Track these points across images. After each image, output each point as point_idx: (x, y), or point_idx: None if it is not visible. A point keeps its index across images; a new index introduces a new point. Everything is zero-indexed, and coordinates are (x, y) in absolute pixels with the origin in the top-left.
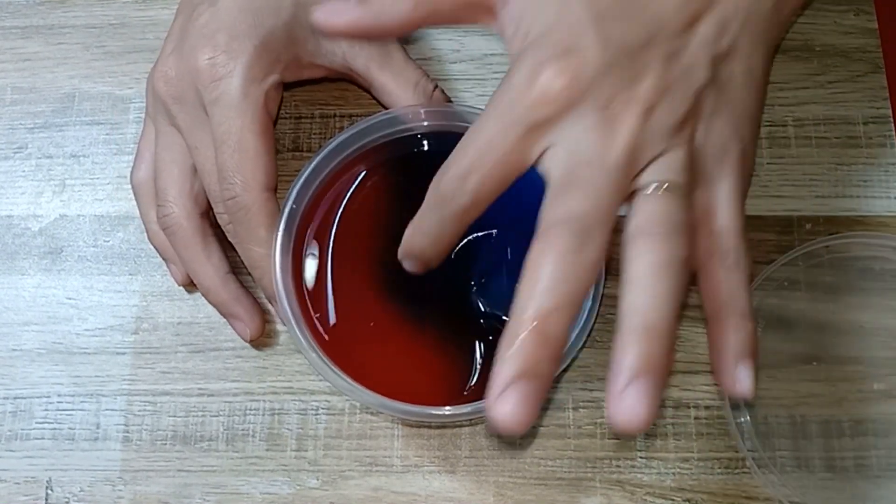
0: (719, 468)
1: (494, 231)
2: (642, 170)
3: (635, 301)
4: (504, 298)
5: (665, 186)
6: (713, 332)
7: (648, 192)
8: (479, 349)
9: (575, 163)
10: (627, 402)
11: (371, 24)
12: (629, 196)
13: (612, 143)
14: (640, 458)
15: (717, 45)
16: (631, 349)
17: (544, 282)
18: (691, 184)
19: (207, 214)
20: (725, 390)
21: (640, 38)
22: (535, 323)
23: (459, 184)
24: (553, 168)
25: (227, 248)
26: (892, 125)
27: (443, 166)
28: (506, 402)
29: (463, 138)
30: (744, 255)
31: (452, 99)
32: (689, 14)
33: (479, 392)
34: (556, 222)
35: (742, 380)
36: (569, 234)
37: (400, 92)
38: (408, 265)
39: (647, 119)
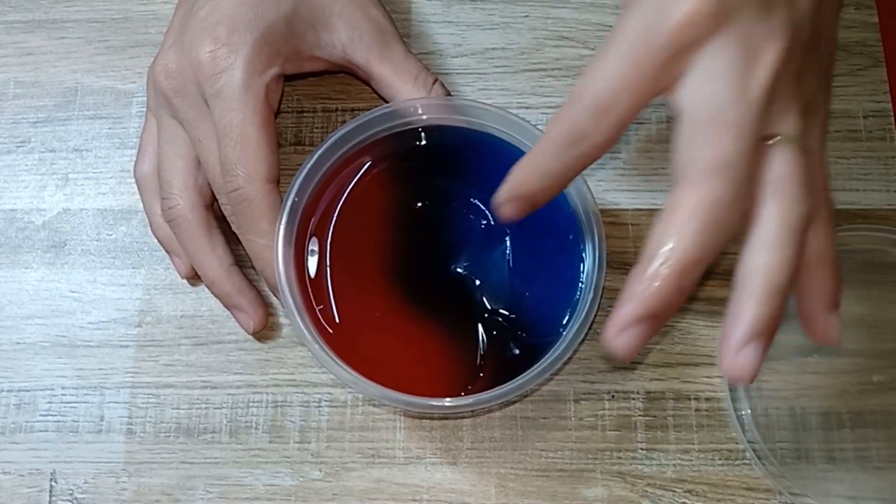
0: (720, 460)
1: (500, 226)
2: (780, 115)
3: (766, 260)
4: (506, 290)
5: (791, 140)
6: (806, 280)
7: (778, 144)
8: (481, 341)
9: (719, 99)
10: (743, 359)
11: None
12: (769, 137)
13: (755, 80)
14: (641, 449)
15: (808, 7)
16: (756, 308)
17: (693, 231)
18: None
19: (212, 206)
20: (814, 336)
21: None
22: (676, 270)
23: (599, 118)
24: (693, 100)
25: (231, 241)
26: (893, 119)
27: (572, 97)
28: (625, 338)
29: (594, 64)
30: (832, 209)
31: (453, 93)
32: None
33: (480, 384)
34: (710, 168)
35: (833, 326)
36: (727, 183)
37: (400, 85)
38: (509, 208)
39: (784, 59)
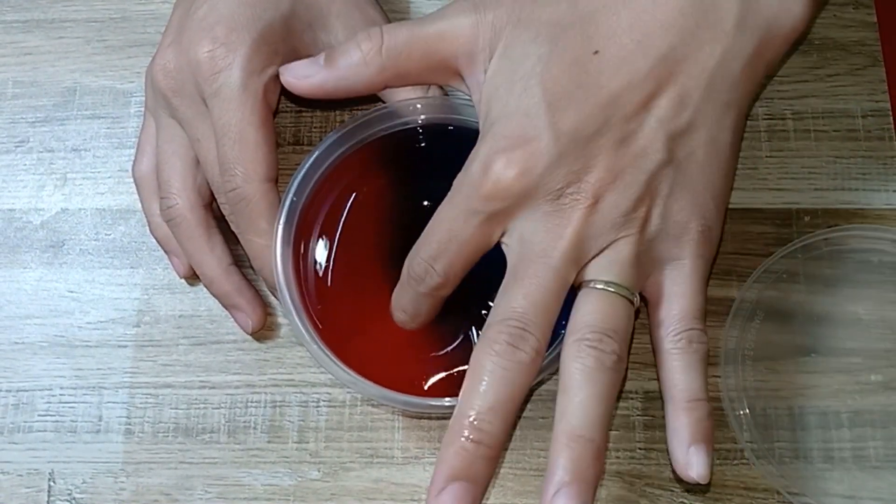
0: (718, 459)
1: None
2: (589, 261)
3: (564, 407)
4: None
5: (605, 286)
6: (668, 416)
7: (589, 290)
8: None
9: (523, 256)
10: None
11: (335, 87)
12: (577, 286)
13: (559, 239)
14: (640, 449)
15: (674, 122)
16: (559, 456)
17: (481, 383)
18: (640, 273)
19: (210, 206)
20: (680, 475)
21: (592, 125)
22: (473, 423)
23: (429, 266)
24: (508, 256)
25: (230, 240)
26: (891, 118)
27: (414, 247)
28: (441, 500)
29: (431, 221)
30: (698, 337)
31: (450, 93)
32: (644, 93)
33: None
34: (496, 321)
35: (695, 464)
36: (506, 334)
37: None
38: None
39: (593, 212)
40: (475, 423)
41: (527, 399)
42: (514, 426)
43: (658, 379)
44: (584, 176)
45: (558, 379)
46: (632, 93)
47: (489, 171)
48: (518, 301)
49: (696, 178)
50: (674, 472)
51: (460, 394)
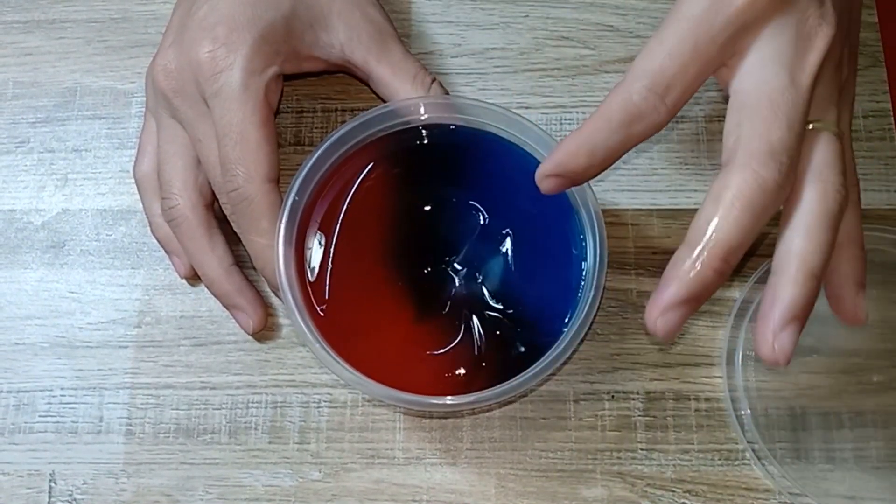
0: (719, 460)
1: (501, 225)
2: (822, 99)
3: (804, 245)
4: (507, 289)
5: (831, 127)
6: (836, 261)
7: (820, 131)
8: (481, 340)
9: (771, 84)
10: (781, 342)
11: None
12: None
13: (805, 66)
14: (641, 449)
15: None
16: (794, 291)
17: (739, 215)
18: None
19: (212, 206)
20: (843, 315)
21: None
22: (718, 254)
23: (657, 100)
24: (746, 82)
25: (231, 241)
26: (892, 119)
27: (630, 76)
28: (667, 319)
29: (655, 43)
30: (858, 189)
31: (453, 93)
32: None
33: (480, 382)
34: (762, 153)
35: (860, 306)
36: (776, 169)
37: (398, 84)
38: (549, 183)
39: (831, 45)
40: (724, 254)
41: (526, 400)
42: None
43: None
44: (825, 4)
45: (788, 220)
46: None
47: None
48: (783, 132)
49: (855, 46)
50: (836, 313)
51: (707, 212)
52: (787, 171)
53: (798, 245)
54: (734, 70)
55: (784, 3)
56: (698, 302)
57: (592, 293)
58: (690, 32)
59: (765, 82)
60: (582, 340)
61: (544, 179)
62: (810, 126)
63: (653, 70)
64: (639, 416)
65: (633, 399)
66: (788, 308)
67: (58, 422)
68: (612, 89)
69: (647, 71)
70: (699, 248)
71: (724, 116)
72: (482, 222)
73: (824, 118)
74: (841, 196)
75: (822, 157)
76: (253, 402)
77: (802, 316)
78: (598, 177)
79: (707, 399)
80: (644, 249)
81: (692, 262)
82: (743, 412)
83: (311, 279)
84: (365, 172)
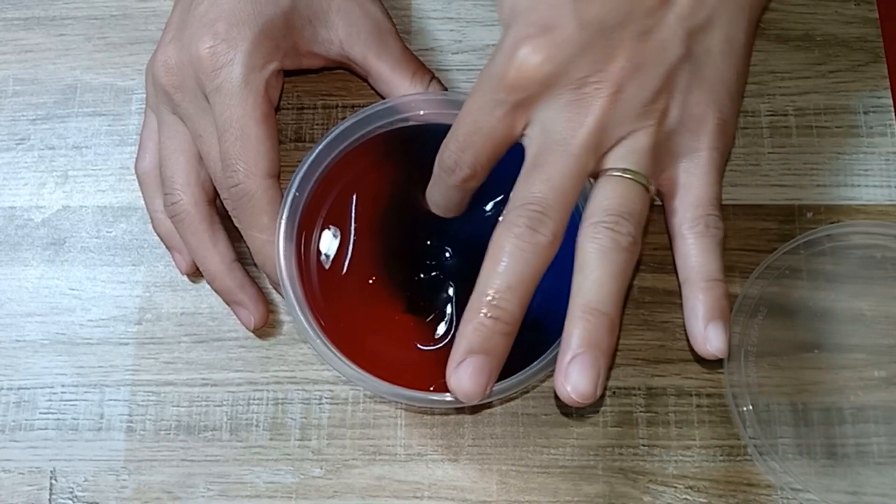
0: (721, 456)
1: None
2: (609, 149)
3: (580, 284)
4: None
5: (622, 173)
6: (685, 297)
7: (606, 177)
8: None
9: (544, 144)
10: (571, 376)
11: None
12: (595, 175)
13: (580, 126)
14: (643, 446)
15: (693, 19)
16: (575, 328)
17: (500, 263)
18: (657, 164)
19: (214, 202)
20: (699, 352)
21: (615, 16)
22: (491, 301)
23: (457, 158)
24: (529, 147)
25: (233, 238)
26: (893, 114)
27: (445, 140)
28: (460, 374)
29: (459, 113)
30: (714, 222)
31: (454, 89)
32: None
33: None
34: (516, 206)
35: (712, 338)
36: (525, 218)
37: (397, 81)
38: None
39: (615, 101)
40: (493, 301)
41: (528, 396)
42: (526, 307)
43: (674, 267)
44: (606, 66)
45: (574, 269)
46: None
47: (514, 57)
48: (537, 186)
49: (712, 74)
50: (692, 351)
51: (479, 274)
52: (538, 217)
53: (574, 284)
54: (524, 139)
55: (553, 78)
56: (489, 353)
57: None
58: (475, 108)
59: (539, 147)
60: None
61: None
62: (604, 174)
63: (452, 137)
64: (640, 412)
65: (635, 395)
66: (573, 345)
67: (58, 419)
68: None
69: (451, 136)
70: (474, 302)
71: None
72: (484, 218)
73: (615, 165)
74: (613, 233)
75: (598, 200)
76: (254, 399)
77: (590, 348)
78: None
79: (709, 395)
80: (645, 245)
81: (472, 316)
82: (744, 408)
83: (312, 275)
84: (365, 168)
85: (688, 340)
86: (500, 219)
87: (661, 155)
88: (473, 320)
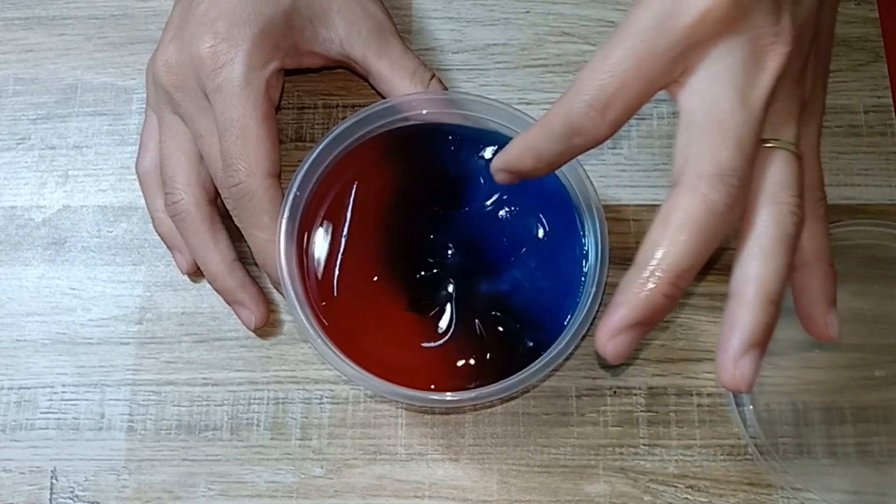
0: (722, 455)
1: (506, 219)
2: (771, 115)
3: (759, 269)
4: (508, 285)
5: (788, 146)
6: (803, 278)
7: (776, 150)
8: (483, 336)
9: (721, 103)
10: (741, 369)
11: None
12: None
13: (758, 86)
14: (643, 445)
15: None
16: (752, 317)
17: (687, 239)
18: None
19: (215, 201)
20: (815, 334)
21: None
22: (667, 277)
23: (597, 116)
24: (695, 101)
25: (234, 237)
26: (894, 114)
27: (574, 89)
28: (617, 343)
29: (599, 58)
30: (825, 206)
31: (454, 89)
32: None
33: (482, 379)
34: (711, 175)
35: (833, 323)
36: (725, 192)
37: (397, 81)
38: (501, 176)
39: (788, 61)
40: (673, 278)
41: (529, 396)
42: None
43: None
44: (779, 20)
45: (743, 242)
46: None
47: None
48: (731, 153)
49: (825, 51)
50: (807, 331)
51: (655, 236)
52: (737, 193)
53: (754, 269)
54: (683, 87)
55: (734, 23)
56: (649, 325)
57: (594, 289)
58: (634, 50)
59: (714, 102)
60: (584, 336)
61: (496, 172)
62: (768, 145)
63: (594, 86)
64: (641, 411)
65: (636, 395)
66: (747, 335)
67: (59, 418)
68: (559, 98)
69: (590, 86)
70: (648, 271)
71: None
72: (484, 215)
73: (781, 137)
74: (797, 217)
75: (776, 178)
76: (255, 399)
77: (762, 341)
78: (600, 173)
79: (709, 394)
80: None
81: (641, 286)
82: (745, 407)
83: (313, 274)
84: (366, 168)
85: (801, 323)
86: (683, 182)
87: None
88: (649, 289)
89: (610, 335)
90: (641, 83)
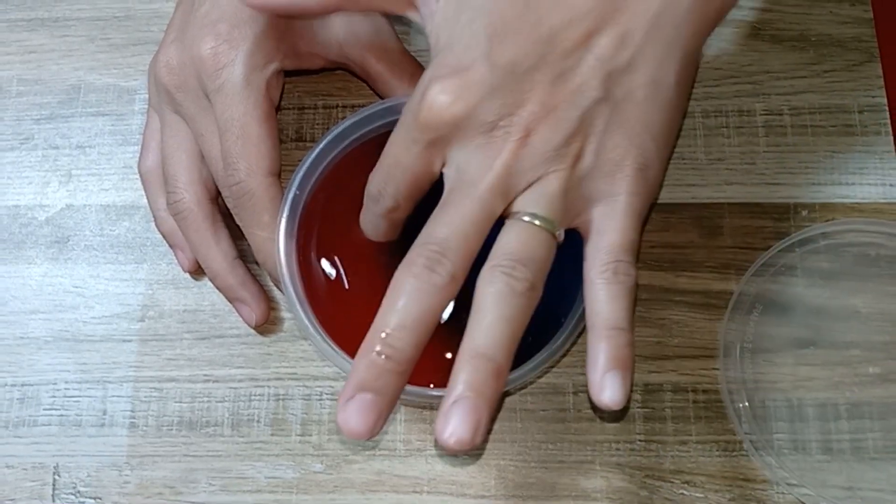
0: (717, 451)
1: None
2: (519, 193)
3: (472, 327)
4: None
5: (530, 218)
6: (589, 342)
7: (512, 221)
8: None
9: (456, 185)
10: (451, 420)
11: (288, 6)
12: (504, 217)
13: (487, 171)
14: (640, 441)
15: (614, 61)
16: (462, 371)
17: (398, 301)
18: (569, 208)
19: (216, 200)
20: (594, 400)
21: (529, 58)
22: (385, 339)
23: (381, 189)
24: (446, 185)
25: (235, 236)
26: (888, 114)
27: (373, 170)
28: (348, 410)
29: (385, 146)
30: (624, 269)
31: None
32: (584, 30)
33: None
34: (419, 244)
35: (608, 388)
36: (424, 257)
37: (395, 82)
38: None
39: (523, 145)
40: (387, 339)
41: (526, 392)
42: (423, 347)
43: (585, 307)
44: (516, 110)
45: (471, 311)
46: (571, 29)
47: (425, 97)
48: (440, 228)
49: (633, 118)
50: (590, 401)
51: (379, 309)
52: (437, 258)
53: (468, 327)
54: (444, 178)
55: (463, 120)
56: (380, 392)
57: None
58: (395, 144)
59: (449, 189)
60: (581, 333)
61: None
62: (510, 218)
63: (377, 171)
64: (637, 407)
65: (632, 391)
66: (456, 390)
67: (62, 415)
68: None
69: (377, 169)
70: (368, 340)
71: (721, 112)
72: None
73: (521, 209)
74: (510, 279)
75: (500, 244)
76: (255, 395)
77: (470, 393)
78: None
79: (705, 391)
80: (642, 243)
81: (364, 353)
82: (740, 404)
83: (313, 272)
84: (365, 167)
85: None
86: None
87: (575, 199)
88: (367, 356)
89: (341, 406)
90: (405, 171)
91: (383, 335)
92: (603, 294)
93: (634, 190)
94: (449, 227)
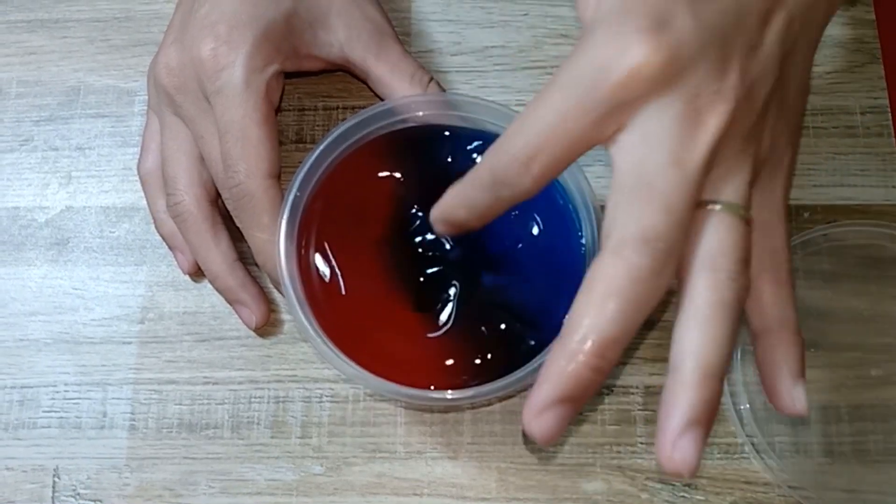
0: (719, 453)
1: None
2: (718, 180)
3: (696, 342)
4: (507, 284)
5: (732, 209)
6: (765, 348)
7: (716, 213)
8: (482, 335)
9: (651, 165)
10: (681, 451)
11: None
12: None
13: (694, 146)
14: (641, 443)
15: (785, 44)
16: (689, 394)
17: (613, 308)
18: (751, 199)
19: (216, 202)
20: (780, 409)
21: (729, 19)
22: (593, 350)
23: (522, 169)
24: (625, 161)
25: (235, 237)
26: (890, 115)
27: (501, 141)
28: (543, 421)
29: (527, 112)
30: (791, 269)
31: (452, 91)
32: (766, 4)
33: (481, 377)
34: (635, 239)
35: (799, 398)
36: (650, 256)
37: (396, 84)
38: (440, 229)
39: (730, 120)
40: (600, 350)
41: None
42: None
43: (749, 311)
44: (722, 77)
45: (680, 314)
46: (757, 1)
47: (627, 52)
48: (658, 217)
49: (791, 107)
50: (772, 405)
51: (580, 307)
52: (664, 257)
53: (691, 343)
54: (616, 145)
55: (669, 81)
56: (578, 402)
57: None
58: (561, 107)
59: (643, 163)
60: None
61: (436, 223)
62: (708, 207)
63: (519, 139)
64: (638, 410)
65: (633, 393)
66: (686, 414)
67: (61, 417)
68: (489, 149)
69: (516, 139)
70: (574, 344)
71: None
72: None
73: (722, 199)
74: (736, 285)
75: (713, 243)
76: (255, 398)
77: (704, 420)
78: (598, 173)
79: None
80: None
81: (567, 360)
82: (742, 406)
83: (313, 274)
84: (365, 169)
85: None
86: (608, 249)
87: (752, 193)
88: (574, 363)
89: (535, 414)
90: (568, 140)
91: (594, 345)
92: (778, 297)
93: (788, 183)
94: (669, 216)
